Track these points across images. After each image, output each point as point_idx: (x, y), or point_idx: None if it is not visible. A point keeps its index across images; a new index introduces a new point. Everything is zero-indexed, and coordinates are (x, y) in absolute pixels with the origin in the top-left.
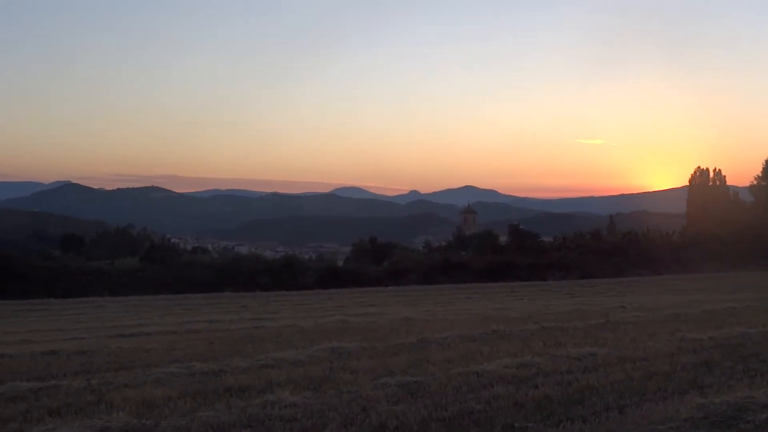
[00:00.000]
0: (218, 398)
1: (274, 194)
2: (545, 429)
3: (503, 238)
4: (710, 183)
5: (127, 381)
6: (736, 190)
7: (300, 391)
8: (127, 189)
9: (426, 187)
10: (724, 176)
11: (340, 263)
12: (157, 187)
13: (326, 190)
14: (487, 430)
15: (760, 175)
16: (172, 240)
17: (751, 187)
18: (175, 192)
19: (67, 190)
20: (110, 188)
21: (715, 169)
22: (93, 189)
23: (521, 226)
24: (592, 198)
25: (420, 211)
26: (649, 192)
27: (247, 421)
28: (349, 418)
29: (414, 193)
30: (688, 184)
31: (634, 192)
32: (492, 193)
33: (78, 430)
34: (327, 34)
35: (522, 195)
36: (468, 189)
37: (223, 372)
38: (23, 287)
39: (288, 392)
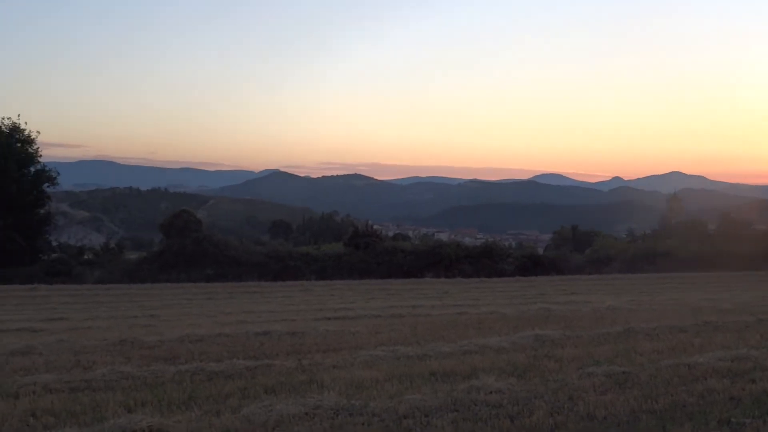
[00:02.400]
0: (424, 382)
1: (474, 181)
2: (765, 426)
3: (712, 227)
4: None
5: (335, 362)
6: None
7: (505, 378)
8: (332, 177)
9: (629, 174)
10: None
11: (540, 251)
12: (359, 174)
13: (526, 177)
14: (702, 424)
15: None
16: (374, 226)
17: None
18: (376, 179)
19: (276, 177)
20: (315, 176)
21: None
22: (299, 177)
23: (732, 214)
24: None
25: (623, 198)
26: None
27: (453, 406)
28: (555, 406)
29: (617, 179)
30: None
31: None
32: (700, 179)
33: (292, 407)
34: (513, 26)
35: (733, 181)
36: (674, 175)
37: (428, 356)
38: (238, 271)
39: (493, 378)
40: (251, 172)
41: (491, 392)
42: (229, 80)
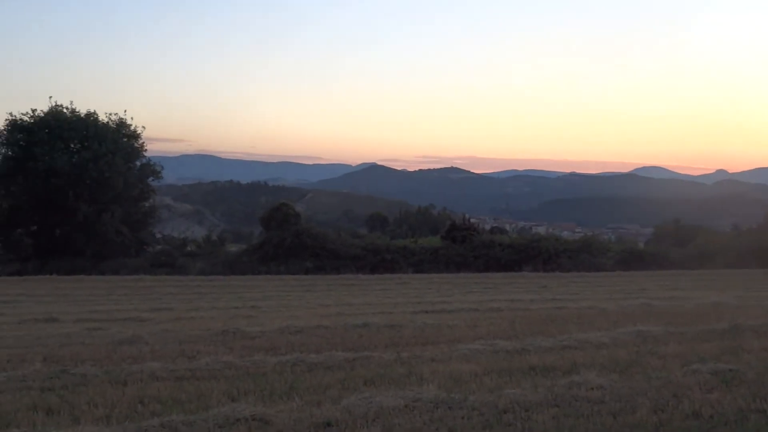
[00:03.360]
0: (523, 376)
1: (572, 174)
2: None
3: None
4: None
5: (433, 355)
6: None
7: (606, 374)
8: (428, 170)
9: (734, 166)
10: None
11: (641, 245)
12: (456, 168)
13: (626, 170)
14: None
15: None
16: (471, 219)
17: None
18: (473, 173)
19: (373, 171)
20: (412, 169)
21: None
22: (396, 170)
23: None
24: None
25: (727, 191)
26: None
27: (554, 401)
28: (659, 404)
29: (721, 172)
30: None
31: None
32: None
33: (392, 399)
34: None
35: None
36: None
37: (527, 351)
38: (336, 263)
39: (594, 374)
40: (348, 166)
41: (593, 388)
42: (327, 75)
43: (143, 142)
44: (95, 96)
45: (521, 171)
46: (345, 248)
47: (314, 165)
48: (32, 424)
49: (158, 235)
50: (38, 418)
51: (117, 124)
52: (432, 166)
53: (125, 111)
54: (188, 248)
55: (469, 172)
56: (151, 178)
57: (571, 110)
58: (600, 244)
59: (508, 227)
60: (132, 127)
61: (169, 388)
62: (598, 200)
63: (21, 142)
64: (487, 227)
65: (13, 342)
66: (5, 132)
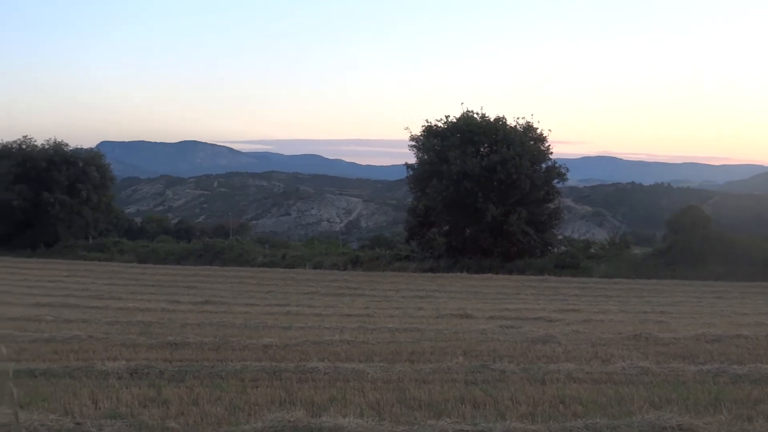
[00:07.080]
0: None
1: None
2: None
3: None
4: None
5: None
6: None
7: None
8: None
9: None
10: None
11: None
12: None
13: None
14: None
15: None
16: None
17: None
18: None
19: None
20: None
21: None
22: None
23: None
24: None
25: None
26: None
27: None
28: None
29: None
30: None
31: None
32: None
33: None
34: None
35: None
36: None
37: None
38: (750, 270)
39: None
40: (761, 166)
41: None
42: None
43: (549, 145)
44: (504, 101)
45: None
46: (760, 254)
47: (721, 166)
48: (461, 416)
49: (559, 237)
50: (466, 410)
51: (524, 128)
52: None
53: (532, 114)
54: (592, 250)
55: None
56: (556, 180)
57: None
58: None
59: None
60: (538, 131)
61: (587, 390)
62: None
63: (436, 147)
64: None
65: (434, 335)
66: (422, 138)
